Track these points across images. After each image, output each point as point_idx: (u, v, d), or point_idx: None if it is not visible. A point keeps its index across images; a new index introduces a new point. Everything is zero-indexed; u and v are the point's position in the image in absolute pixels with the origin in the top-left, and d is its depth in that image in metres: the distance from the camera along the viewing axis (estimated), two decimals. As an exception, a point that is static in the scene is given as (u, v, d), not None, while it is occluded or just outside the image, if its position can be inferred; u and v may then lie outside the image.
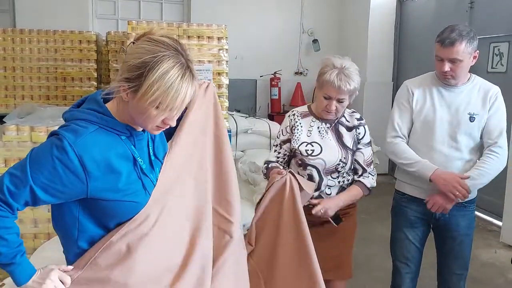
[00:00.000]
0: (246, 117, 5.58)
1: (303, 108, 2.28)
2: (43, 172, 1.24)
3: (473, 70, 2.27)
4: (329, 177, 2.16)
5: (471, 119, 2.20)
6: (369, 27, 6.42)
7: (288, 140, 2.22)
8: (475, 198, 2.33)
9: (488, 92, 2.21)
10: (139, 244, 1.33)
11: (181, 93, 1.29)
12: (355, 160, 2.19)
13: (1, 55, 4.66)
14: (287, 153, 2.25)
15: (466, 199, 2.23)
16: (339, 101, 2.09)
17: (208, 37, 3.43)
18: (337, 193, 2.19)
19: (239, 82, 6.70)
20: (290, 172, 1.98)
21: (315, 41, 7.11)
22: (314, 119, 2.21)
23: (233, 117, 5.21)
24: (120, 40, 4.65)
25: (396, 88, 6.49)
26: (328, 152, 2.14)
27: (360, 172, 2.20)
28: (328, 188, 2.17)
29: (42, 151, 1.25)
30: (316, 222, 2.14)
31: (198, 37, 3.39)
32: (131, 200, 1.35)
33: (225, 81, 3.51)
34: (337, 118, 2.19)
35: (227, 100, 3.56)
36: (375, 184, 2.24)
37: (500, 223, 4.41)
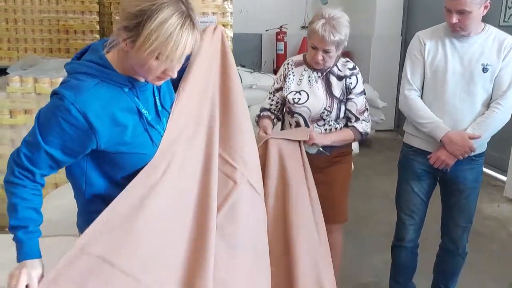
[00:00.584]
0: (251, 72, 5.51)
1: (299, 57, 2.33)
2: (53, 134, 1.24)
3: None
4: (315, 124, 2.24)
5: (484, 70, 2.15)
6: (378, -21, 6.21)
7: (281, 88, 2.31)
8: (484, 151, 2.32)
9: (503, 42, 2.15)
10: (150, 195, 1.33)
11: (181, 44, 1.23)
12: (348, 109, 2.24)
13: (2, 6, 4.59)
14: (280, 101, 2.34)
15: (475, 153, 2.22)
16: (326, 51, 2.12)
17: (212, -11, 3.34)
18: None
19: (244, 37, 6.58)
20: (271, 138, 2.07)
21: (322, -7, 6.91)
22: (306, 68, 2.27)
23: (237, 72, 5.16)
24: (123, -9, 4.54)
25: (405, 42, 6.33)
26: (314, 100, 2.21)
27: (353, 120, 2.26)
28: None
29: (47, 113, 1.26)
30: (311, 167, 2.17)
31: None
32: (138, 152, 1.35)
33: (229, 33, 3.43)
34: (328, 68, 2.22)
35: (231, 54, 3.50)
36: (368, 130, 2.29)
37: (504, 178, 4.42)
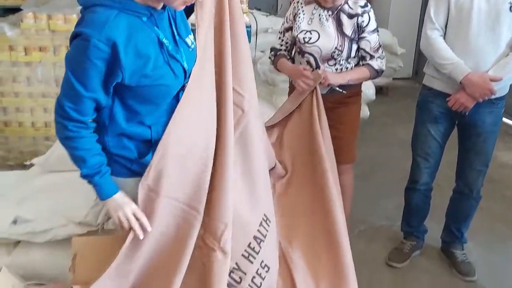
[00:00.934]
0: (267, 16, 5.37)
1: None
2: (91, 78, 1.24)
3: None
4: (326, 64, 2.23)
5: (511, 9, 2.05)
6: None
7: (290, 28, 2.29)
8: (505, 95, 2.26)
9: None
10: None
11: None
12: (362, 48, 2.23)
13: None
14: (289, 41, 2.33)
15: (496, 96, 2.18)
16: None
17: None
18: None
19: (260, -21, 6.36)
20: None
21: None
22: (316, 7, 2.23)
23: (253, 15, 5.01)
24: None
25: (427, -14, 6.06)
26: (324, 39, 2.19)
27: (368, 59, 2.25)
28: None
29: (77, 57, 1.24)
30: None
31: None
32: (161, 83, 1.35)
33: (246, -27, 3.31)
34: (340, 5, 2.19)
35: (247, -4, 3.39)
36: (384, 68, 2.27)
37: (522, 128, 4.35)
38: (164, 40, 1.34)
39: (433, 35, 2.22)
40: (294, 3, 2.31)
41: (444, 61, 2.18)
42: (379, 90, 5.39)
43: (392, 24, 6.06)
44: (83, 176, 1.37)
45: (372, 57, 2.24)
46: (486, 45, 2.13)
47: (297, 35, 2.24)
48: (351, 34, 2.20)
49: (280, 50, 2.34)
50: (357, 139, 2.46)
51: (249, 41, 3.27)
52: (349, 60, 2.25)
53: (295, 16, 2.27)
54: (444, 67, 2.19)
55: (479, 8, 2.11)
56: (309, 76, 2.11)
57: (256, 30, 4.89)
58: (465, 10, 2.13)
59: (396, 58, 5.45)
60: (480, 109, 2.22)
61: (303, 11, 2.26)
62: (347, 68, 2.26)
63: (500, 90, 2.19)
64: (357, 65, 2.30)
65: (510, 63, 2.11)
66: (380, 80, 5.33)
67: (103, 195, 1.41)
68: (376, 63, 2.25)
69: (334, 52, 2.20)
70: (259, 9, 5.73)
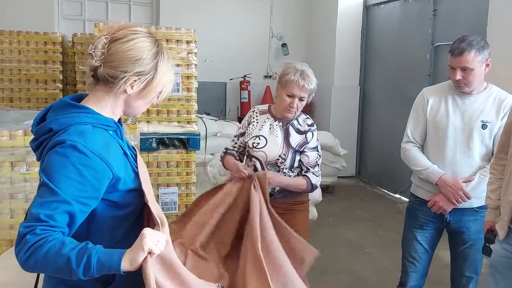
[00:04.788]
0: (216, 120, 5.58)
1: (264, 107, 2.52)
2: (74, 184, 1.19)
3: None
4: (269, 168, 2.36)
5: (484, 126, 2.27)
6: (336, 32, 6.54)
7: (244, 134, 2.48)
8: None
9: (503, 102, 2.28)
10: None
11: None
12: (301, 161, 2.39)
13: (-38, 55, 4.49)
14: (242, 145, 2.51)
15: (478, 205, 2.32)
16: (301, 99, 2.33)
17: (177, 41, 3.41)
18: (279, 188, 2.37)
19: (209, 85, 6.69)
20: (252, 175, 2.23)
21: (284, 45, 7.18)
22: (269, 117, 2.44)
23: (202, 120, 5.20)
24: (87, 42, 4.56)
25: (362, 92, 6.62)
26: (271, 146, 2.37)
27: (304, 171, 2.40)
28: None
29: (59, 165, 1.20)
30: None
31: (167, 40, 3.38)
32: (133, 189, 1.36)
33: (194, 84, 3.50)
34: (291, 120, 2.39)
35: (196, 103, 3.55)
36: (318, 184, 2.43)
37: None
38: (128, 151, 1.39)
39: (408, 146, 2.44)
40: (250, 112, 2.52)
41: (419, 167, 2.36)
42: (325, 189, 5.58)
43: (333, 127, 6.48)
44: (83, 274, 1.13)
45: (308, 169, 2.38)
46: (462, 159, 2.30)
47: (247, 141, 2.42)
48: (296, 147, 2.36)
49: (232, 150, 2.51)
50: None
51: (199, 145, 3.39)
52: (292, 169, 2.38)
53: (249, 124, 2.46)
54: (420, 173, 2.36)
55: (454, 126, 2.31)
56: (243, 172, 2.24)
57: (206, 134, 5.04)
58: (441, 128, 2.33)
59: (339, 158, 5.74)
60: (464, 217, 2.34)
61: (257, 120, 2.45)
62: (290, 176, 2.38)
63: (483, 199, 2.28)
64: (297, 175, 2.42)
65: (484, 173, 2.26)
66: (326, 179, 5.57)
67: (117, 260, 1.15)
68: (313, 177, 2.38)
69: (278, 159, 2.35)
70: (208, 114, 5.96)
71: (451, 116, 2.32)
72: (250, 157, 2.42)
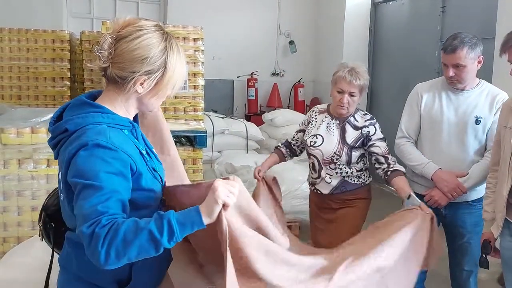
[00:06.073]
0: (223, 118, 5.59)
1: (323, 106, 2.61)
2: (111, 176, 1.19)
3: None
4: (327, 167, 2.44)
5: (477, 122, 2.28)
6: (344, 29, 6.49)
7: (302, 131, 2.61)
8: (483, 197, 2.34)
9: (495, 97, 2.30)
10: None
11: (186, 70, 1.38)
12: (374, 153, 2.40)
13: (-29, 53, 4.54)
14: (299, 140, 2.64)
15: (473, 198, 2.33)
16: (351, 95, 2.38)
17: (184, 38, 3.42)
18: (338, 183, 2.44)
19: (216, 83, 6.69)
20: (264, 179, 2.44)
21: (291, 42, 7.15)
22: (327, 116, 2.52)
23: (209, 117, 5.21)
24: (95, 39, 4.58)
25: (370, 89, 6.56)
26: (327, 144, 2.44)
27: (383, 160, 2.38)
28: (329, 177, 2.45)
29: (91, 164, 1.19)
30: (325, 207, 2.48)
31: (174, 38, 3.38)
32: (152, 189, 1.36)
33: (201, 82, 3.51)
34: (347, 117, 2.45)
35: (203, 101, 3.55)
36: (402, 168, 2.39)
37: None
38: (143, 151, 1.38)
39: (401, 142, 2.46)
40: (310, 111, 2.64)
41: (414, 163, 2.39)
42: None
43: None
44: (167, 240, 1.13)
45: (386, 158, 2.36)
46: (456, 154, 2.33)
47: (306, 139, 2.52)
48: (352, 143, 2.41)
49: (289, 143, 2.67)
50: None
51: (206, 142, 3.39)
52: (350, 165, 2.43)
53: (309, 122, 2.58)
54: (415, 168, 2.38)
55: (448, 121, 2.33)
56: (256, 175, 2.48)
57: (213, 131, 5.05)
58: (436, 122, 2.36)
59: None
60: (459, 211, 2.34)
61: (315, 119, 2.55)
62: (346, 172, 2.43)
63: (477, 192, 2.32)
64: (360, 171, 2.46)
65: (478, 167, 2.27)
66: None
67: (198, 218, 1.16)
68: (399, 167, 2.34)
69: (333, 156, 2.41)
70: (215, 111, 5.97)
71: (445, 111, 2.34)
72: (309, 155, 2.52)
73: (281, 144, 2.72)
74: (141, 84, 1.30)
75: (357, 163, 2.44)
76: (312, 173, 2.52)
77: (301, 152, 2.69)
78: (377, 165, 2.39)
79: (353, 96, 2.38)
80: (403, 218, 1.93)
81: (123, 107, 1.35)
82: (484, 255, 2.10)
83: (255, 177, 2.48)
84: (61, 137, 1.29)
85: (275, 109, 6.40)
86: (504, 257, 2.05)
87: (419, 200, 2.07)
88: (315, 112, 2.58)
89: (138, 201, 1.31)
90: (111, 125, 1.29)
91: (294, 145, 2.67)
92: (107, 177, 1.18)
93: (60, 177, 1.32)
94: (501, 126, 2.05)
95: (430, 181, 2.33)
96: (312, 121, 2.56)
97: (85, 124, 1.26)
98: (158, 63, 1.29)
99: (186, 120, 3.44)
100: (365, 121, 2.44)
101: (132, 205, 1.27)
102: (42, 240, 1.54)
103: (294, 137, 2.67)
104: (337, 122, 2.47)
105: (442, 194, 2.29)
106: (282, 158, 2.67)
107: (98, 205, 1.14)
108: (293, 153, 2.68)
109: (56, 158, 1.33)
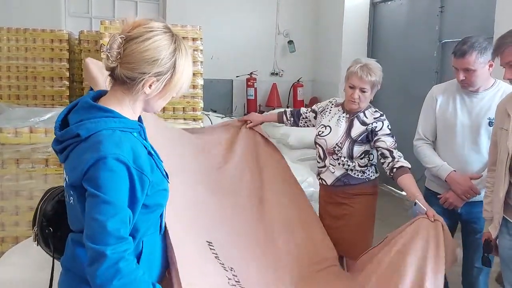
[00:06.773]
0: (222, 117, 5.58)
1: (341, 100, 2.64)
2: (129, 195, 1.24)
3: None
4: (330, 157, 2.49)
5: (490, 124, 2.29)
6: (343, 29, 6.49)
7: (313, 111, 2.68)
8: None
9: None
10: None
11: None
12: (380, 147, 2.38)
13: (-31, 53, 4.52)
14: (308, 115, 2.71)
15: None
16: (362, 90, 2.41)
17: (183, 38, 3.40)
18: (341, 175, 2.47)
19: (215, 82, 6.69)
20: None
21: (290, 42, 7.15)
22: (340, 109, 2.57)
23: (208, 117, 5.20)
24: (93, 39, 4.57)
25: (370, 89, 6.56)
26: (332, 135, 2.49)
27: (388, 154, 2.35)
28: (332, 167, 2.49)
29: (110, 180, 1.22)
30: (331, 201, 2.53)
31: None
32: (161, 189, 1.39)
33: (199, 81, 3.50)
34: (357, 112, 2.47)
35: (202, 101, 3.54)
36: (408, 164, 2.35)
37: None
38: (152, 151, 1.39)
39: (419, 143, 2.52)
40: (327, 101, 2.68)
41: (430, 165, 2.44)
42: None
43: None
44: None
45: (391, 152, 2.33)
46: (470, 156, 2.36)
47: (316, 128, 2.61)
48: (355, 137, 2.43)
49: (300, 114, 2.75)
50: (368, 239, 2.50)
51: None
52: (353, 160, 2.45)
53: (323, 110, 2.63)
54: (431, 170, 2.44)
55: (462, 124, 2.36)
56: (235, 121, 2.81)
57: (211, 131, 5.03)
58: (450, 125, 2.39)
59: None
60: (474, 209, 2.35)
61: (330, 110, 2.60)
62: (349, 165, 2.45)
63: None
64: (364, 166, 2.47)
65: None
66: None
67: None
68: (404, 162, 2.30)
69: (335, 147, 2.46)
70: (215, 111, 5.96)
71: (459, 114, 2.37)
72: (315, 143, 2.59)
73: (290, 110, 2.79)
74: (150, 85, 1.30)
75: (361, 158, 2.45)
76: (319, 162, 2.58)
77: (303, 126, 2.78)
78: (382, 160, 2.37)
79: (365, 92, 2.41)
80: (413, 241, 2.01)
81: (130, 108, 1.35)
82: (486, 254, 2.11)
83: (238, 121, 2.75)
84: (70, 142, 1.28)
85: (274, 109, 6.41)
86: (503, 255, 2.06)
87: (425, 208, 2.08)
88: (332, 104, 2.63)
89: (149, 204, 1.34)
90: (122, 129, 1.30)
91: (302, 117, 2.73)
92: (124, 195, 1.23)
93: (68, 181, 1.31)
94: (497, 127, 2.06)
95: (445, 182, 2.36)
96: (327, 111, 2.61)
97: (97, 129, 1.26)
98: (168, 65, 1.30)
99: (185, 119, 3.43)
100: (374, 118, 2.45)
101: (144, 208, 1.31)
102: (37, 245, 1.53)
103: (306, 111, 2.73)
104: (347, 116, 2.50)
105: (456, 196, 2.32)
106: (280, 120, 2.79)
107: (121, 230, 1.21)
108: (295, 122, 2.76)
109: (62, 162, 1.33)
